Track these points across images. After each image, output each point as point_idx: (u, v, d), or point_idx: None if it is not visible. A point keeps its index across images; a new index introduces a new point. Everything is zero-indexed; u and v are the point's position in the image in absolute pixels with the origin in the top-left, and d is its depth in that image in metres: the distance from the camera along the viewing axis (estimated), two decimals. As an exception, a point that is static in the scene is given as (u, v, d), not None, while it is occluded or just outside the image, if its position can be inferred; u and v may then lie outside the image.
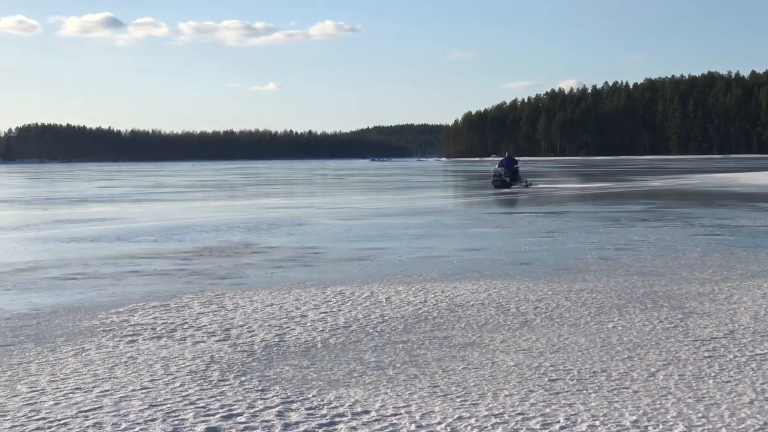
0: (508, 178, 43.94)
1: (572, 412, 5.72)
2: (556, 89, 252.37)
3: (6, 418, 5.73)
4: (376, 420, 5.63)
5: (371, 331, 8.56)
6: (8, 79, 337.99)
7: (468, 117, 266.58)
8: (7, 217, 28.37)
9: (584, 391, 6.22)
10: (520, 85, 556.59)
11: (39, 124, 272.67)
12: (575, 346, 7.76)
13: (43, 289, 11.69)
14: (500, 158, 48.56)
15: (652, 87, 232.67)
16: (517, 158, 47.79)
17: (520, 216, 24.83)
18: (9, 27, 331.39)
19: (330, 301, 10.22)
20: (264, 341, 8.11)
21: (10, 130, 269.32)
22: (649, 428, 5.38)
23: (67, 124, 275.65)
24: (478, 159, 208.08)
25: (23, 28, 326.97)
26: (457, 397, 6.12)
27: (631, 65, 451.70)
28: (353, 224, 22.44)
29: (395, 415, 5.73)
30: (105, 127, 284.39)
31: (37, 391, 6.40)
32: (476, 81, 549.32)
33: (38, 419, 5.69)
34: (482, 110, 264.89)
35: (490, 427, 5.43)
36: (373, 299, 10.35)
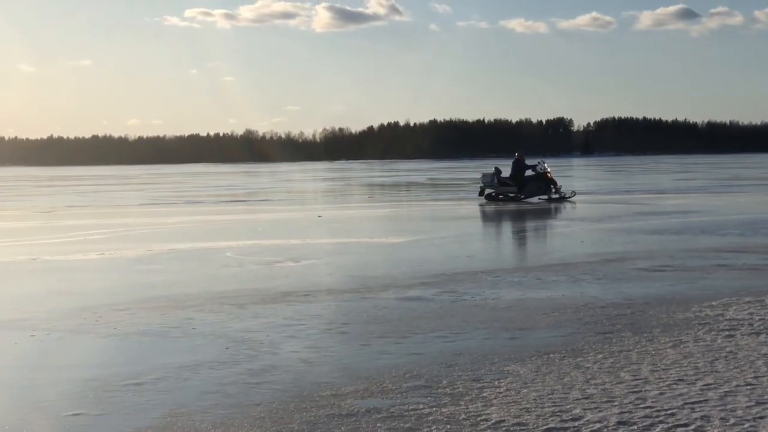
0: (493, 191, 32.59)
1: None
2: None
3: (614, 403, 5.92)
4: None
5: None
6: (585, 76, 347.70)
7: None
8: (592, 209, 29.20)
9: None
10: None
11: (615, 117, 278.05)
12: None
13: (633, 279, 11.91)
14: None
15: None
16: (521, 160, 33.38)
17: None
18: (584, 24, 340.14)
19: None
20: None
21: (588, 124, 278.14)
22: None
23: (644, 117, 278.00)
24: None
25: (598, 25, 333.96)
26: None
27: None
28: None
29: None
30: (680, 119, 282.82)
31: (641, 379, 6.54)
32: None
33: (644, 407, 5.81)
34: None
35: None
36: None
